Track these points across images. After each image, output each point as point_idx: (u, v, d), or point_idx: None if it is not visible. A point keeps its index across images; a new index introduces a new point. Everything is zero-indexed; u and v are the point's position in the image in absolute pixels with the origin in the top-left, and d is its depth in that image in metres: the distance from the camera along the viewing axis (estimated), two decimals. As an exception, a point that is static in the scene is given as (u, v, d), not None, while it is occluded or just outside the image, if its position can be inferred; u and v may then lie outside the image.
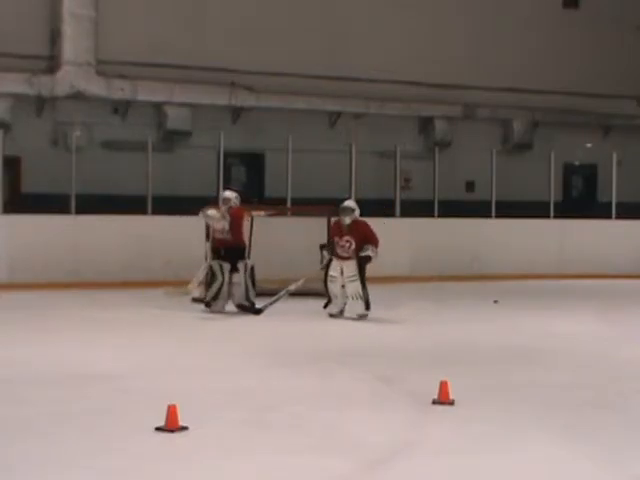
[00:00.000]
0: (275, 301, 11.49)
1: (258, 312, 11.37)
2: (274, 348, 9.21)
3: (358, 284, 11.21)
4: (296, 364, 8.24)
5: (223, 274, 11.53)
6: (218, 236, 11.65)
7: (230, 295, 11.63)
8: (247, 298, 11.58)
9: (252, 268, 11.67)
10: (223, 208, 11.68)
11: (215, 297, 11.62)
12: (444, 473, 5.06)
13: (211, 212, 11.61)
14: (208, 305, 11.67)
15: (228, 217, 11.54)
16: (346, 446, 5.51)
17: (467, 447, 5.53)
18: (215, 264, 11.60)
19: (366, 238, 11.26)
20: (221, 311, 11.59)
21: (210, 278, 11.69)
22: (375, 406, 6.63)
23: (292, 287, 11.69)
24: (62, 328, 10.50)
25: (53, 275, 14.43)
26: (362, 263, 11.24)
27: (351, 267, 11.25)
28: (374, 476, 5.06)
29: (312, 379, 7.57)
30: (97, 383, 7.22)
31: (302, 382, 7.43)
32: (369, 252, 11.20)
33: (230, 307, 11.66)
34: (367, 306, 11.24)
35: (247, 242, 12.24)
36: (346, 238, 11.31)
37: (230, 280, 11.54)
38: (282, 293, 11.61)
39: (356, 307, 11.28)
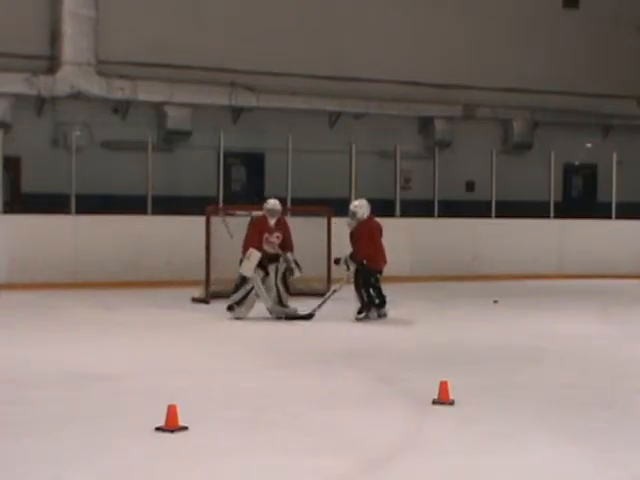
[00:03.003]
0: (324, 303, 11.23)
1: (309, 317, 11.04)
2: (274, 348, 9.22)
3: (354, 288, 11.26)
4: (296, 364, 8.25)
5: (256, 283, 11.13)
6: (269, 249, 11.17)
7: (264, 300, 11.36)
8: (280, 302, 11.22)
9: (284, 272, 11.27)
10: (273, 221, 11.24)
11: (240, 302, 11.19)
12: (444, 473, 5.06)
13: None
14: (230, 309, 11.23)
15: (281, 235, 11.24)
16: (346, 446, 5.51)
17: (467, 447, 5.53)
18: (256, 274, 11.11)
19: (355, 244, 11.28)
20: (243, 317, 11.17)
21: (239, 282, 11.21)
22: (375, 406, 6.63)
23: (337, 286, 11.54)
24: (62, 328, 10.51)
25: (53, 275, 14.43)
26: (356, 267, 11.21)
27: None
28: (374, 476, 5.06)
29: (312, 379, 7.58)
30: (97, 383, 7.22)
31: (302, 382, 7.43)
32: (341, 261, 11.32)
33: (252, 314, 11.36)
34: (360, 310, 11.20)
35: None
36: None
37: (263, 285, 11.22)
38: (328, 295, 11.41)
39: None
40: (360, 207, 11.39)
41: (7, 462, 5.11)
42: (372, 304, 11.17)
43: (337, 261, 11.48)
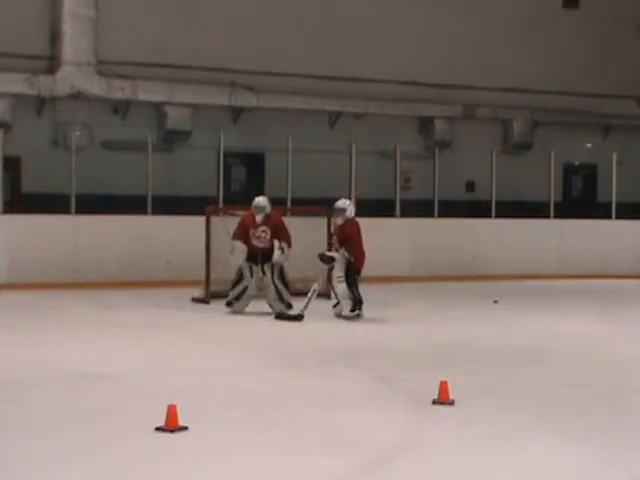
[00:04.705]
0: (308, 303, 11.17)
1: (299, 318, 11.00)
2: (274, 348, 9.21)
3: (344, 285, 11.20)
4: (296, 364, 8.25)
5: (252, 276, 11.45)
6: (257, 243, 11.44)
7: (265, 297, 11.57)
8: (281, 299, 11.42)
9: (281, 269, 11.49)
10: (259, 217, 11.46)
11: (238, 297, 11.54)
12: (444, 473, 5.06)
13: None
14: (229, 304, 11.58)
15: (268, 230, 11.42)
16: (346, 446, 5.51)
17: (467, 447, 5.53)
18: (245, 265, 11.47)
19: (348, 240, 11.24)
20: (240, 312, 11.50)
21: (237, 278, 11.56)
22: (375, 406, 6.63)
23: (316, 286, 11.48)
24: (62, 328, 10.50)
25: (53, 275, 14.43)
26: (347, 264, 11.19)
27: (338, 268, 11.28)
28: (374, 476, 5.06)
29: (312, 379, 7.58)
30: (97, 383, 7.22)
31: (302, 382, 7.43)
32: (332, 253, 11.17)
33: (250, 309, 11.56)
34: (353, 308, 11.21)
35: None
36: (335, 238, 11.43)
37: (261, 283, 11.48)
38: (310, 295, 11.29)
39: (345, 308, 11.30)
40: (350, 205, 11.54)
41: (7, 462, 5.11)
42: (361, 302, 11.18)
43: (332, 259, 11.32)
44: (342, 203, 11.54)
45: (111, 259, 14.78)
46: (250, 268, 11.47)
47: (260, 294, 11.59)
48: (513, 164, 19.94)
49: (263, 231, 11.45)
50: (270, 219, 11.53)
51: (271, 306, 11.47)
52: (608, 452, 5.47)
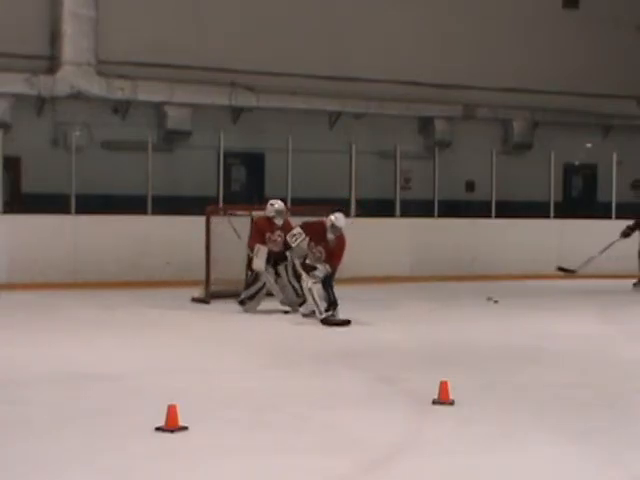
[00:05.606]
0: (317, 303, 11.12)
1: (344, 323, 10.82)
2: (274, 348, 9.21)
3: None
4: (296, 364, 8.24)
5: (267, 278, 11.56)
6: (272, 247, 11.56)
7: (283, 296, 11.71)
8: (298, 296, 11.52)
9: (293, 266, 11.58)
10: (279, 221, 11.64)
11: (252, 297, 11.65)
12: (444, 473, 5.06)
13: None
14: (242, 303, 11.68)
15: (283, 234, 11.50)
16: (346, 446, 5.51)
17: (467, 447, 5.53)
18: (265, 269, 11.53)
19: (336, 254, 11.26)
20: (252, 312, 11.57)
21: (252, 279, 11.64)
22: (375, 406, 6.63)
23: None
24: (62, 328, 10.50)
25: (53, 275, 14.42)
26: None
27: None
28: (374, 476, 5.06)
29: (312, 379, 7.57)
30: (97, 383, 7.22)
31: (302, 382, 7.43)
32: (317, 271, 11.12)
33: (261, 307, 11.66)
34: (301, 303, 11.25)
35: None
36: (319, 248, 11.25)
37: (277, 284, 11.65)
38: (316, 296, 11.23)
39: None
40: (346, 224, 11.43)
41: (7, 462, 5.11)
42: (337, 303, 11.14)
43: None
44: (344, 223, 11.33)
45: (111, 259, 14.77)
46: (267, 271, 11.57)
47: (287, 305, 11.67)
48: (513, 164, 19.95)
49: (279, 235, 11.62)
50: (287, 224, 11.71)
51: (281, 302, 11.64)
52: (608, 452, 5.47)
